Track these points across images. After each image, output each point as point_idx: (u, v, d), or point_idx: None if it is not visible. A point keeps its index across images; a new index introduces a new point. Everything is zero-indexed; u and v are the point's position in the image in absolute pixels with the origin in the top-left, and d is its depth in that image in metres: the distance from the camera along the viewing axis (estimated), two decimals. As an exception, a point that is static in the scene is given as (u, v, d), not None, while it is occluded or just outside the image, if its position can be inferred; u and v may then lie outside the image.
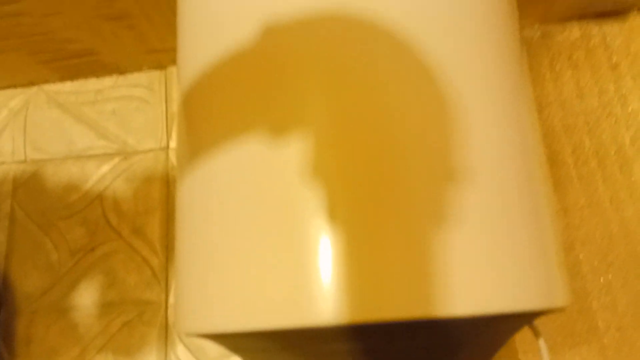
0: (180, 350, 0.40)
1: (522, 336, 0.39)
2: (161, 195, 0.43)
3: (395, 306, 0.18)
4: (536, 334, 0.28)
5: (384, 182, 0.19)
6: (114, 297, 0.41)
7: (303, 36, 0.22)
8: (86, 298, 0.41)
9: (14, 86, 0.48)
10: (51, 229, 0.43)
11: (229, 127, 0.22)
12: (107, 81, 0.47)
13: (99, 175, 0.44)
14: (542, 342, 0.28)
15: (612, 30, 0.48)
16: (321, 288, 0.18)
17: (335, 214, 0.19)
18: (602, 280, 0.41)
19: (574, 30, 0.49)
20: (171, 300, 0.41)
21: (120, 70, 0.47)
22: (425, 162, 0.20)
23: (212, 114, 0.23)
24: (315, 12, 0.22)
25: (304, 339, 0.19)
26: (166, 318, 0.40)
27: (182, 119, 0.26)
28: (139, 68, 0.47)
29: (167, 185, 0.44)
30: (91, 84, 0.47)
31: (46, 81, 0.47)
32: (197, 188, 0.23)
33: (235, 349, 0.24)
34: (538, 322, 0.33)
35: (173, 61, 0.47)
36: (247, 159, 0.21)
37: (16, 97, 0.47)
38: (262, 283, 0.19)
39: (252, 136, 0.21)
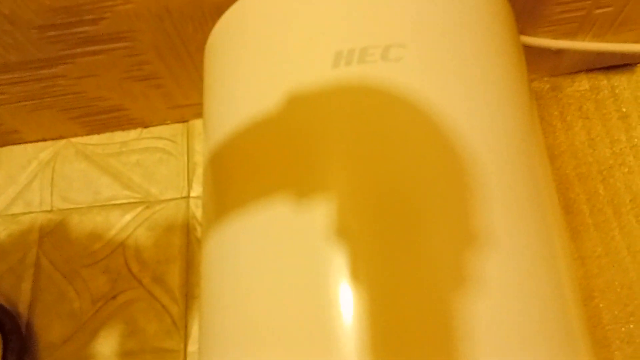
0: (198, 401, 0.39)
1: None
2: (181, 243, 0.44)
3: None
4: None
5: (405, 246, 0.20)
6: (134, 346, 0.41)
7: (325, 104, 0.23)
8: (106, 347, 0.41)
9: (44, 139, 0.49)
10: (74, 277, 0.44)
11: (256, 190, 0.23)
12: (132, 134, 0.49)
13: (122, 223, 0.45)
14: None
15: (621, 81, 0.49)
16: (344, 349, 0.18)
17: (359, 276, 0.19)
18: (623, 330, 0.40)
19: (583, 82, 0.50)
20: (190, 348, 0.41)
21: (145, 124, 0.49)
22: (446, 226, 0.20)
23: (239, 177, 0.24)
24: (336, 82, 0.23)
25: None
26: (184, 367, 0.40)
27: (208, 180, 0.27)
28: (162, 122, 0.49)
29: (187, 234, 0.44)
30: (117, 137, 0.49)
31: (75, 134, 0.49)
32: (224, 249, 0.23)
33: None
34: None
35: (195, 115, 0.49)
36: (272, 221, 0.22)
37: (46, 150, 0.49)
38: (284, 343, 0.20)
39: (278, 199, 0.22)
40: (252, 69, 0.26)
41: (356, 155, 0.22)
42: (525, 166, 0.24)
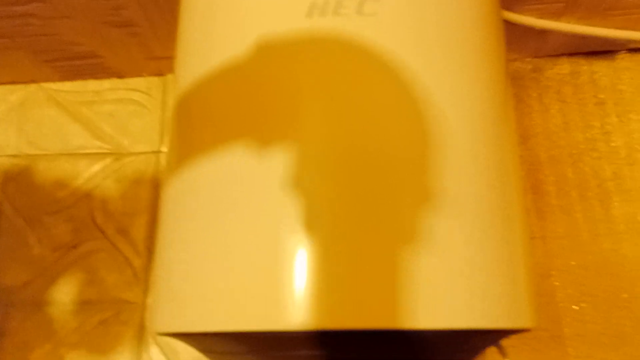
0: (153, 352, 0.40)
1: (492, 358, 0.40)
2: (149, 197, 0.44)
3: (363, 316, 0.19)
4: (503, 354, 0.28)
5: (362, 199, 0.20)
6: (93, 295, 0.41)
7: (294, 55, 0.23)
8: (64, 294, 0.41)
9: (15, 82, 0.48)
10: (36, 223, 0.43)
11: (218, 136, 0.23)
12: (107, 84, 0.49)
13: (90, 173, 0.45)
14: (507, 362, 0.28)
15: (601, 68, 0.50)
16: (292, 295, 0.19)
17: (313, 225, 0.20)
18: (575, 308, 0.42)
19: (564, 66, 0.50)
20: (149, 301, 0.41)
21: (120, 75, 0.49)
22: (404, 182, 0.21)
23: (203, 123, 0.24)
24: (308, 32, 0.23)
25: (272, 344, 0.20)
26: (142, 319, 0.41)
27: (174, 124, 0.27)
28: (139, 73, 0.48)
29: (156, 189, 0.44)
30: (91, 85, 0.48)
31: (47, 80, 0.48)
32: (183, 191, 0.24)
33: (205, 351, 0.25)
34: (509, 345, 0.34)
35: (173, 69, 0.48)
36: (233, 166, 0.22)
37: (16, 93, 0.48)
38: (236, 287, 0.20)
39: (239, 146, 0.22)
40: (225, 15, 0.26)
41: (321, 107, 0.22)
42: (490, 135, 0.25)
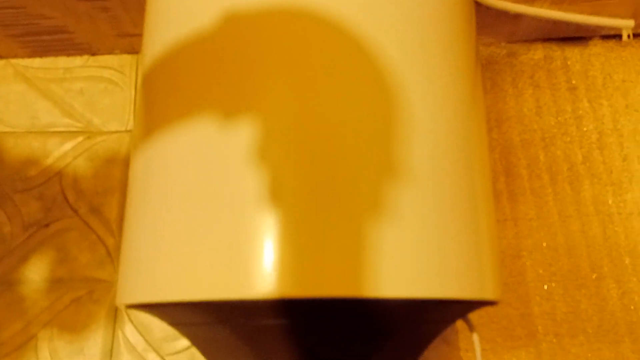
0: (128, 330, 0.40)
1: (464, 335, 0.41)
2: (122, 176, 0.44)
3: (327, 285, 0.19)
4: (470, 328, 0.29)
5: (326, 170, 0.21)
6: (64, 274, 0.41)
7: (259, 28, 0.23)
8: (35, 273, 0.41)
9: (-19, 57, 0.47)
10: (6, 201, 0.43)
11: (183, 109, 0.23)
12: (78, 60, 0.48)
13: (60, 152, 0.44)
14: (475, 337, 0.29)
15: (573, 54, 0.51)
16: (258, 264, 0.19)
17: (277, 196, 0.20)
18: (545, 287, 0.43)
19: (538, 51, 0.51)
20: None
21: (92, 51, 0.48)
22: (367, 156, 0.21)
23: (168, 95, 0.24)
24: (272, 6, 0.23)
25: (238, 313, 0.20)
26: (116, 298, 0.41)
27: (140, 98, 0.27)
28: (110, 51, 0.48)
29: (129, 167, 0.44)
30: (61, 62, 0.48)
31: (15, 55, 0.47)
32: (149, 164, 0.24)
33: (174, 323, 0.25)
34: (479, 323, 0.35)
35: (145, 45, 0.47)
36: (197, 139, 0.22)
37: (-18, 68, 0.47)
38: (202, 256, 0.20)
39: (204, 119, 0.22)
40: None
41: (285, 80, 0.22)
42: (456, 111, 0.25)
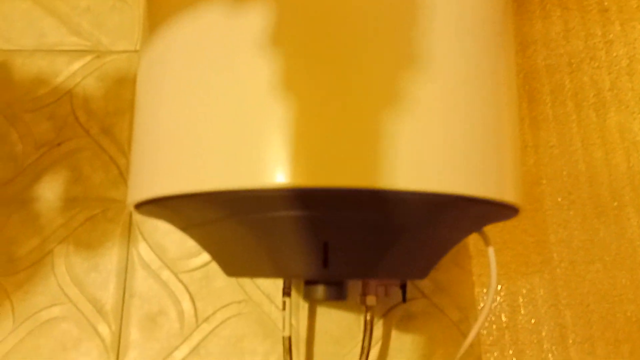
0: (142, 248, 0.41)
1: (478, 261, 0.41)
2: (132, 97, 0.43)
3: (342, 175, 0.19)
4: (486, 242, 0.29)
5: (342, 56, 0.20)
6: (78, 193, 0.41)
7: None
8: (49, 191, 0.41)
9: (-16, -29, 0.46)
10: (17, 121, 0.43)
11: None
12: (83, -24, 0.46)
13: (69, 71, 0.44)
14: (491, 251, 0.29)
15: (608, -28, 0.48)
16: (271, 152, 0.19)
17: (291, 83, 0.19)
18: (562, 216, 0.42)
19: (570, -31, 0.48)
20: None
21: (98, -34, 0.46)
22: (387, 42, 0.20)
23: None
24: None
25: (250, 205, 0.20)
26: (130, 216, 0.41)
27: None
28: (117, -35, 0.46)
29: (140, 89, 0.43)
30: (66, -23, 0.46)
31: (18, -31, 0.46)
32: (156, 57, 0.23)
33: (186, 225, 0.25)
34: (494, 248, 0.34)
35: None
36: (208, 26, 0.21)
37: (-15, -17, 0.46)
38: (215, 146, 0.20)
39: (214, 4, 0.21)
40: None
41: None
42: (483, 9, 0.24)
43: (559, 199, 0.43)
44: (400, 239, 0.22)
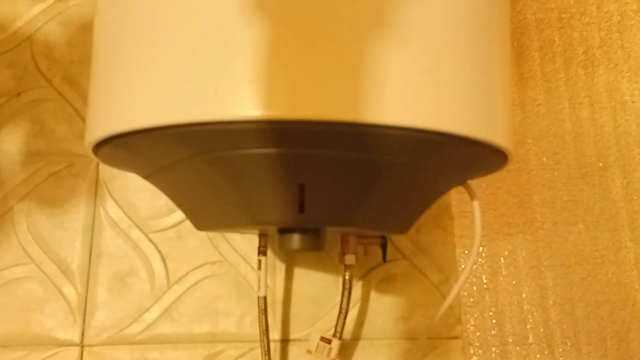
0: (110, 206, 0.39)
1: (460, 222, 0.40)
2: (99, 45, 0.40)
3: (321, 107, 0.17)
4: (471, 195, 0.28)
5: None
6: (41, 147, 0.39)
7: None
8: (10, 144, 0.39)
9: None
10: (-28, 68, 0.40)
11: None
12: None
13: (29, 15, 0.41)
14: (476, 205, 0.28)
15: None
16: (243, 81, 0.17)
17: (262, 3, 0.17)
18: (546, 176, 0.42)
19: None
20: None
21: None
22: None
23: None
24: None
25: (220, 141, 0.18)
26: (97, 173, 0.39)
27: None
28: None
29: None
30: None
31: None
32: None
33: (150, 171, 0.23)
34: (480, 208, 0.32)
35: None
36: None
37: None
38: (182, 74, 0.18)
39: None
40: None
41: None
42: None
43: (544, 159, 0.42)
44: (383, 182, 0.20)
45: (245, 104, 0.17)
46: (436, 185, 0.24)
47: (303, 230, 0.21)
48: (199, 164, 0.20)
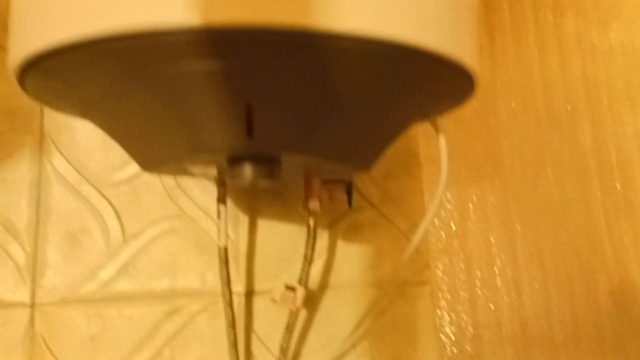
0: (57, 161, 0.36)
1: (428, 169, 0.39)
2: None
3: (267, 11, 0.15)
4: (436, 129, 0.27)
5: None
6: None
7: None
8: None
9: None
10: None
11: None
12: None
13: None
14: (442, 139, 0.27)
15: None
16: None
17: None
18: (515, 122, 0.41)
19: None
20: (46, 111, 0.36)
21: None
22: None
23: None
24: None
25: (154, 55, 0.16)
26: (41, 127, 0.36)
27: None
28: None
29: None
30: None
31: None
32: None
33: (84, 106, 0.21)
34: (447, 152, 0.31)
35: None
36: None
37: None
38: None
39: None
40: None
41: None
42: None
43: (513, 105, 0.41)
44: (340, 104, 0.18)
45: (175, 9, 0.15)
46: (398, 113, 0.22)
47: (255, 159, 0.19)
48: (132, 88, 0.18)
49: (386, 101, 0.20)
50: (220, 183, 0.31)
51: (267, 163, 0.19)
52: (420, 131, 0.40)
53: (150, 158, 0.21)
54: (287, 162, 0.20)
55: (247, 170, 0.19)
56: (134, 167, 0.37)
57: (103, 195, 0.36)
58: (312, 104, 0.18)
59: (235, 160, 0.19)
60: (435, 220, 0.38)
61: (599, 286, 0.39)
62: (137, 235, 0.36)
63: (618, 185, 0.40)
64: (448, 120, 0.42)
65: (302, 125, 0.18)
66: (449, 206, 0.39)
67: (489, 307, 0.38)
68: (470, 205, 0.39)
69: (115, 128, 0.21)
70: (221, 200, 0.32)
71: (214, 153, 0.18)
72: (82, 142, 0.37)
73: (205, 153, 0.18)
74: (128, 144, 0.22)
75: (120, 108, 0.19)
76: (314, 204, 0.31)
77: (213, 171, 0.24)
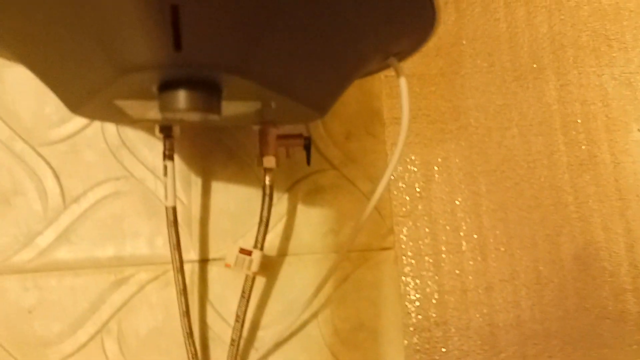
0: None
1: (392, 129, 0.37)
2: None
3: None
4: (397, 72, 0.25)
5: None
6: None
7: None
8: None
9: None
10: None
11: None
12: None
13: None
14: (402, 81, 0.25)
15: None
16: None
17: None
18: (481, 79, 0.39)
19: None
20: None
21: None
22: None
23: None
24: None
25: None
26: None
27: None
28: None
29: None
30: None
31: None
32: None
33: (6, 39, 0.18)
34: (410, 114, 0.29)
35: None
36: None
37: None
38: None
39: None
40: None
41: None
42: None
43: (479, 61, 0.40)
44: (284, 10, 0.16)
45: None
46: (354, 45, 0.20)
47: (189, 84, 0.16)
48: (46, 10, 0.15)
49: (340, 21, 0.18)
50: (166, 134, 0.29)
51: (204, 90, 0.16)
52: (383, 90, 0.38)
53: (77, 91, 0.18)
54: (229, 92, 0.17)
55: (181, 98, 0.16)
56: (73, 124, 0.34)
57: (39, 154, 0.33)
58: (250, 9, 0.15)
59: (167, 86, 0.16)
60: (400, 183, 0.37)
61: (562, 245, 0.38)
62: (79, 198, 0.33)
63: (582, 138, 0.40)
64: (413, 80, 0.40)
65: (239, 38, 0.15)
66: (413, 168, 0.37)
67: (455, 272, 0.37)
68: (435, 167, 0.38)
69: (38, 63, 0.18)
70: (168, 155, 0.29)
71: (140, 72, 0.15)
72: (14, 95, 0.33)
73: (129, 73, 0.15)
74: (53, 80, 0.19)
75: (38, 36, 0.16)
76: (270, 161, 0.29)
77: (153, 113, 0.21)
